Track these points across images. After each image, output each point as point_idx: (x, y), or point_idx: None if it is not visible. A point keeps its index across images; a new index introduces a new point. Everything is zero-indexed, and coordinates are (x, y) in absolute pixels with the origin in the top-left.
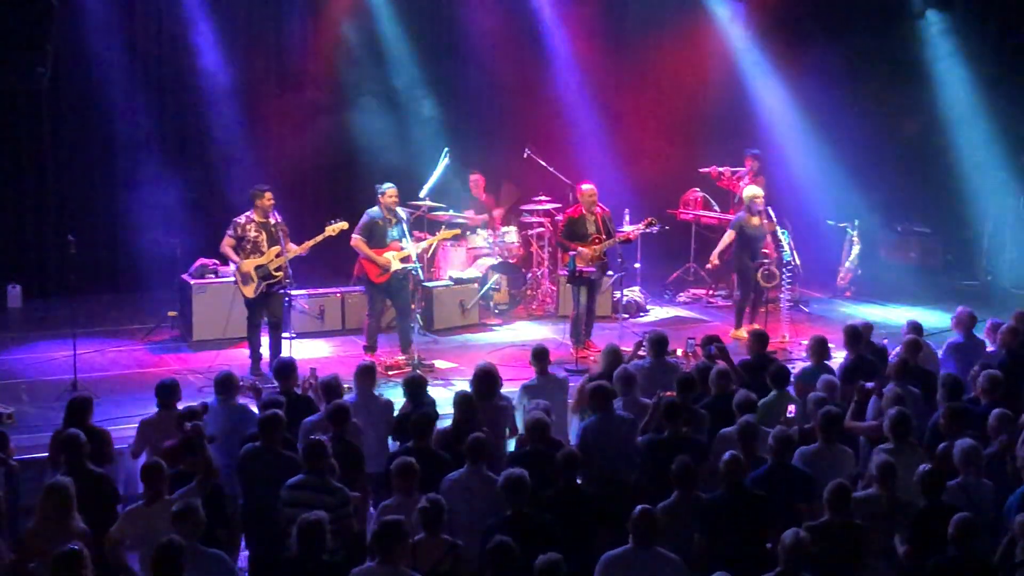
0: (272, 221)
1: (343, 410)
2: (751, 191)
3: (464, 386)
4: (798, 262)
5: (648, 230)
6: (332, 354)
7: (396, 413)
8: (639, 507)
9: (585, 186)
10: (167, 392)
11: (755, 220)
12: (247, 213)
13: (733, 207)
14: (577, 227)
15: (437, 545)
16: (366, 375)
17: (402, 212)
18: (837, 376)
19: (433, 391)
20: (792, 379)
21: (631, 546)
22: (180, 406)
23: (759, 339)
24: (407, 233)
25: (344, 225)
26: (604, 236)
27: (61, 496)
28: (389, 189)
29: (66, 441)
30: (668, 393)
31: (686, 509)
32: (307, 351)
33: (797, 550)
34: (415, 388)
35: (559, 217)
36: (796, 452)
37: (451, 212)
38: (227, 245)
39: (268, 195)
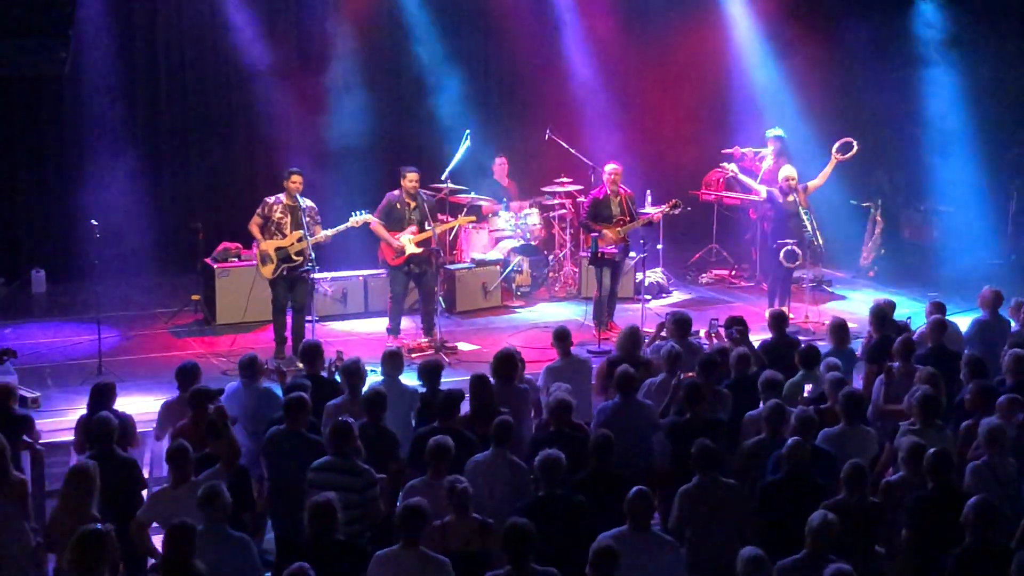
0: (301, 205)
1: (380, 397)
2: (785, 171)
3: (484, 368)
4: (821, 241)
5: (672, 212)
6: (355, 337)
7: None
8: (635, 489)
9: (609, 166)
10: (188, 375)
11: (790, 197)
12: (278, 195)
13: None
14: (601, 208)
15: (467, 524)
16: (393, 360)
17: (412, 198)
18: (863, 356)
19: (455, 374)
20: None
21: (627, 528)
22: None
23: (777, 320)
24: (428, 214)
25: (368, 217)
26: (628, 218)
27: (84, 480)
28: (410, 174)
29: (97, 425)
30: (688, 375)
31: (706, 492)
32: (330, 334)
33: (824, 532)
34: (431, 374)
35: (582, 199)
36: (820, 433)
37: (472, 195)
38: (254, 224)
39: (295, 178)
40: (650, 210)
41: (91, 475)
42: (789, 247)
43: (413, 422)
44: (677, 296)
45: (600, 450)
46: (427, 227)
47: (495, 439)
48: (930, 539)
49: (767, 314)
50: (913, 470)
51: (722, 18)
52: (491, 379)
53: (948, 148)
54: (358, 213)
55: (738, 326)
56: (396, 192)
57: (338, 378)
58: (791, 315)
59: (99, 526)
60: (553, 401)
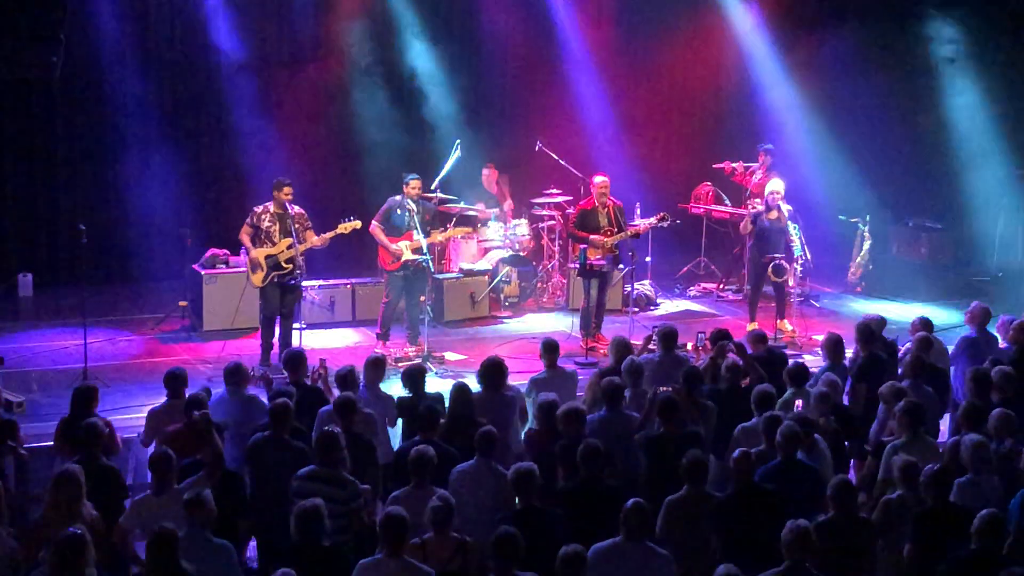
0: (289, 213)
1: (350, 403)
2: (773, 185)
3: (471, 378)
4: (809, 257)
5: (659, 225)
6: (342, 345)
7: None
8: (631, 500)
9: (598, 178)
10: (176, 381)
11: (772, 214)
12: (266, 203)
13: (745, 202)
14: (589, 219)
15: (447, 543)
16: (373, 368)
17: (413, 204)
18: (851, 374)
19: (442, 383)
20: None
21: (621, 539)
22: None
23: (757, 339)
24: (418, 225)
25: (357, 224)
26: (616, 229)
27: (71, 484)
28: (412, 180)
29: (86, 431)
30: (664, 389)
31: (695, 503)
32: (317, 342)
33: (800, 542)
34: (414, 379)
35: (570, 210)
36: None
37: (462, 204)
38: (244, 233)
39: (287, 189)
40: (638, 222)
41: (78, 479)
42: (777, 261)
43: (390, 428)
44: (665, 308)
45: (589, 460)
46: (416, 236)
47: (479, 449)
48: (933, 554)
49: (748, 331)
50: (909, 488)
51: (713, 33)
52: (477, 387)
53: (937, 164)
54: (346, 220)
55: (725, 340)
56: (397, 197)
57: (320, 386)
58: (792, 329)
59: (76, 530)
60: (545, 402)
